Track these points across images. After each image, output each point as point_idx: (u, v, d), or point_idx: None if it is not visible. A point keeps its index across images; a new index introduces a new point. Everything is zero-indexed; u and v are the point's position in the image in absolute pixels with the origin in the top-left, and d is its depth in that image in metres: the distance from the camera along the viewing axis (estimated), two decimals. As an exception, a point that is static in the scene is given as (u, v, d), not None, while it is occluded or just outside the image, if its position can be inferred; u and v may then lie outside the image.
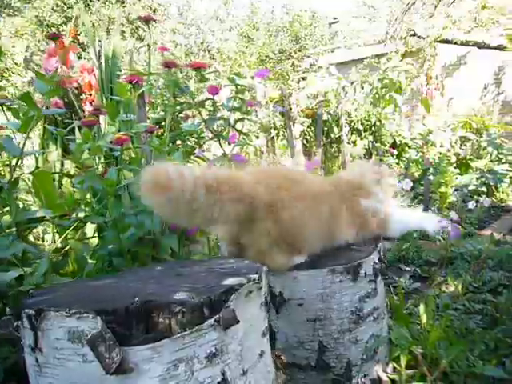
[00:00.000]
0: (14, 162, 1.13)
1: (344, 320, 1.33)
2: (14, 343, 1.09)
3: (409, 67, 7.02)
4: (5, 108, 1.47)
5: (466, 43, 7.65)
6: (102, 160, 2.20)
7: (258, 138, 4.20)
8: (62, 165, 2.90)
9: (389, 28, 7.93)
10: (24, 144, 1.16)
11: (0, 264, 1.26)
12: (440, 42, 7.93)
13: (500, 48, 7.33)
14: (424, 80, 8.36)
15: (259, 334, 0.85)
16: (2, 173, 1.30)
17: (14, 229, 1.27)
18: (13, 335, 0.77)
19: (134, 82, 1.51)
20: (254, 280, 0.84)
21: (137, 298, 0.72)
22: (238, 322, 0.75)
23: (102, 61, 2.54)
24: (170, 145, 1.81)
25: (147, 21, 1.68)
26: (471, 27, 7.81)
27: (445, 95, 8.45)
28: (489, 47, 7.43)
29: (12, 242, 1.05)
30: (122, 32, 12.47)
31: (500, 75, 8.68)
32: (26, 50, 10.24)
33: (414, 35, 8.15)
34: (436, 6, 7.41)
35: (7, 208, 1.31)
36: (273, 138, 4.62)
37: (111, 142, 1.62)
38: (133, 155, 1.91)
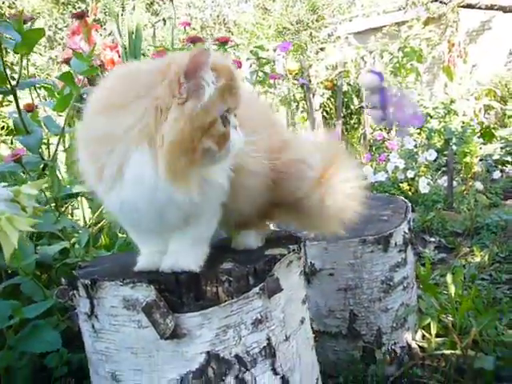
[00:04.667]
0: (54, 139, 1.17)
1: (374, 289, 1.36)
2: (62, 312, 1.15)
3: (431, 35, 6.83)
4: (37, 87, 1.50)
5: (491, 7, 7.38)
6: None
7: (277, 110, 4.18)
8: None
9: (410, -6, 7.69)
10: (65, 122, 1.20)
11: (42, 238, 1.31)
12: (463, 7, 7.66)
13: (527, 12, 7.06)
14: (446, 47, 8.12)
15: (299, 301, 0.89)
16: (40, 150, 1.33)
17: (53, 204, 1.32)
18: (68, 303, 0.81)
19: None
20: (294, 250, 0.86)
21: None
22: (281, 289, 0.78)
23: (125, 37, 2.55)
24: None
25: (171, -4, 1.68)
26: (496, -10, 7.52)
27: (468, 62, 8.19)
28: (515, 11, 7.17)
29: (58, 217, 1.10)
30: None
31: (527, 40, 8.36)
32: (49, 29, 10.23)
33: (436, 1, 7.89)
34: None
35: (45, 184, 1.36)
36: (292, 110, 4.60)
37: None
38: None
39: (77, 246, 1.29)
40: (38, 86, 1.52)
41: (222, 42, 1.61)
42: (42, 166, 1.16)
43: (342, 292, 1.36)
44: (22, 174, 1.40)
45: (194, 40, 1.73)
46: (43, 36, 1.04)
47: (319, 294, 1.38)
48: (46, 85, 1.36)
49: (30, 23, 1.08)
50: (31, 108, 1.36)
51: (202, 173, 0.68)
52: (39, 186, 0.77)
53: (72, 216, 2.03)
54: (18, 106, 1.07)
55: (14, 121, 1.12)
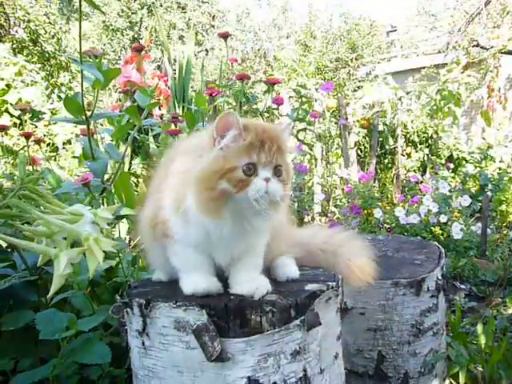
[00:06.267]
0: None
1: (404, 332, 1.37)
2: (105, 327, 1.22)
3: (470, 79, 6.85)
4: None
5: (534, 55, 7.36)
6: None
7: (313, 145, 4.26)
8: (130, 164, 3.10)
9: (450, 39, 7.76)
10: (126, 150, 1.30)
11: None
12: (505, 53, 7.66)
13: None
14: (485, 92, 8.09)
15: (335, 337, 0.93)
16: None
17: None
18: (121, 320, 0.88)
19: (213, 94, 1.63)
20: (333, 287, 0.91)
21: (232, 296, 0.82)
22: (320, 324, 0.83)
23: (176, 67, 2.71)
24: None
25: (225, 37, 1.80)
26: (540, 38, 7.50)
27: (507, 108, 8.13)
28: (558, 60, 7.12)
29: (116, 239, 1.18)
30: (182, 37, 12.91)
31: None
32: (104, 57, 10.78)
33: (477, 46, 7.92)
34: (503, 18, 7.17)
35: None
36: (327, 146, 4.66)
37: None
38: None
39: (121, 265, 1.37)
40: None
41: (272, 84, 1.71)
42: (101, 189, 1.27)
43: (372, 332, 1.38)
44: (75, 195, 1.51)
45: (241, 77, 1.84)
46: (119, 75, 1.16)
47: (349, 332, 1.40)
48: (112, 116, 1.48)
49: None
50: (92, 133, 1.48)
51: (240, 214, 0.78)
52: (113, 210, 0.85)
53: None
54: (89, 135, 1.18)
55: (83, 147, 1.23)
